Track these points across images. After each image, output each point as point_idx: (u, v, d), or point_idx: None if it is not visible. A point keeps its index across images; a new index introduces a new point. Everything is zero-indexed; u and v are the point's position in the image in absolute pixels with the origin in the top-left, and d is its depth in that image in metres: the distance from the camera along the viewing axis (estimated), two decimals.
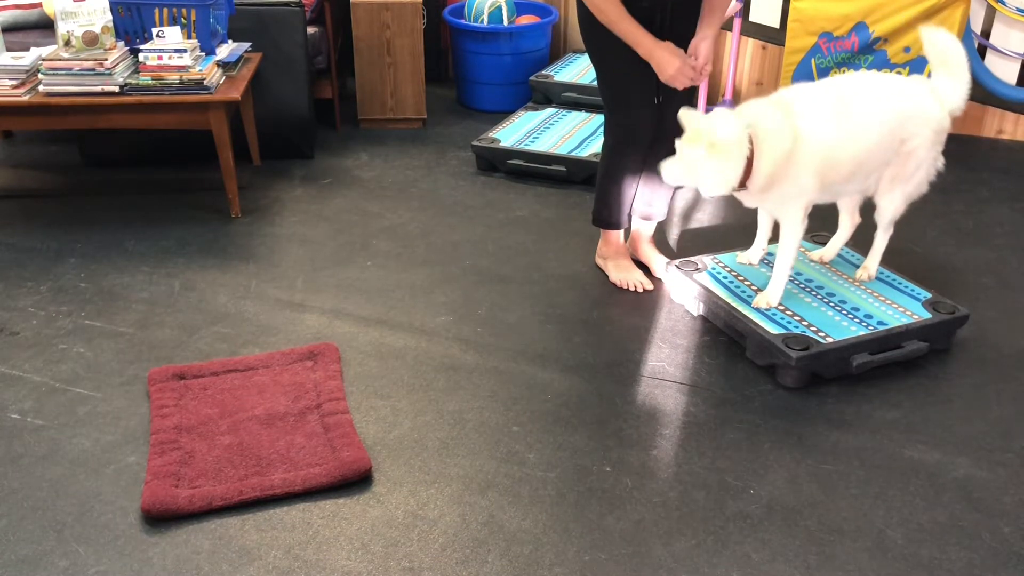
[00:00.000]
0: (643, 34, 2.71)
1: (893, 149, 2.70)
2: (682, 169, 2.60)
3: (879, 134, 2.63)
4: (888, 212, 2.86)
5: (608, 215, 3.09)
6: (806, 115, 2.57)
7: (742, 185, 2.59)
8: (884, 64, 4.14)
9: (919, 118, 2.68)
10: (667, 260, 3.12)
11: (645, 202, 3.12)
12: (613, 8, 2.69)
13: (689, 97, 2.94)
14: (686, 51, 2.79)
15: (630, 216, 3.13)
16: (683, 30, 2.79)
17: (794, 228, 2.71)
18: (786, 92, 2.65)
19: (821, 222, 3.48)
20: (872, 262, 2.97)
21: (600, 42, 2.82)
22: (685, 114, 2.57)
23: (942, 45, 2.72)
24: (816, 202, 2.73)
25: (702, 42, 2.76)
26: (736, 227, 3.53)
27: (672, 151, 3.06)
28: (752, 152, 2.53)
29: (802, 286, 2.90)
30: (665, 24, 2.77)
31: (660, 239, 3.41)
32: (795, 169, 2.57)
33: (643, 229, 3.22)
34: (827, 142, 2.58)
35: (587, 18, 2.80)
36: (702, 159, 2.52)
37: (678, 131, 2.95)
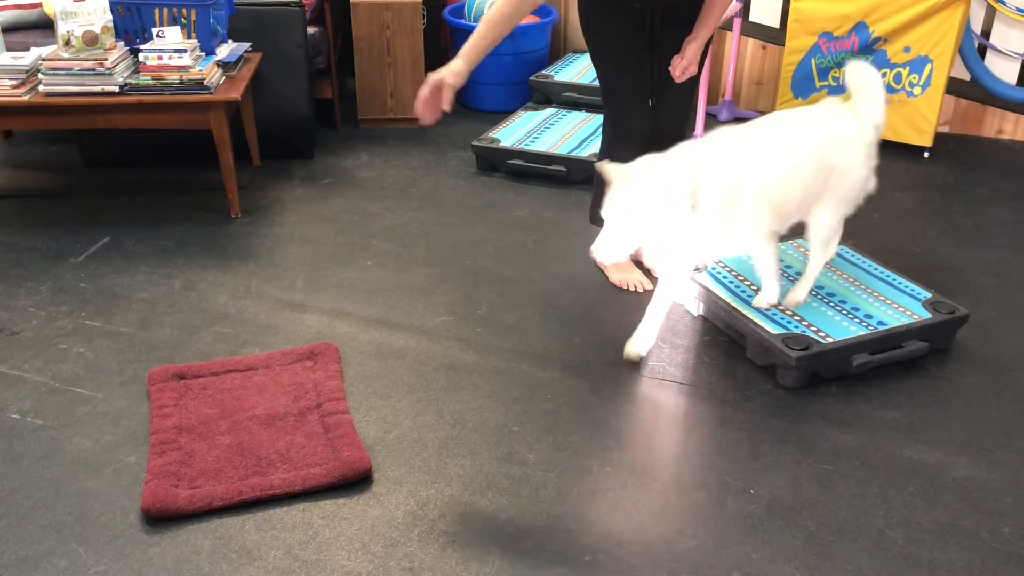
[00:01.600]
0: (467, 48, 2.48)
1: (825, 179, 2.62)
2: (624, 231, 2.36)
3: (812, 167, 2.56)
4: (822, 231, 2.74)
5: None
6: (747, 156, 2.49)
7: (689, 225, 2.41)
8: (884, 64, 4.14)
9: (846, 141, 2.62)
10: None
11: None
12: (496, 9, 2.52)
13: (686, 97, 2.94)
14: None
15: None
16: (677, 34, 2.78)
17: (763, 249, 2.66)
18: (721, 133, 2.56)
19: None
20: (804, 287, 2.81)
21: (594, 39, 2.83)
22: (604, 168, 2.36)
23: (863, 76, 2.69)
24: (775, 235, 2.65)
25: (691, 42, 2.75)
26: None
27: (665, 148, 3.04)
28: (695, 189, 2.37)
29: None
30: (656, 27, 2.76)
31: None
32: (743, 207, 2.48)
33: None
34: (770, 182, 2.49)
35: (585, 16, 2.81)
36: (644, 211, 2.33)
37: (674, 130, 2.95)
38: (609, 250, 2.37)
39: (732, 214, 2.47)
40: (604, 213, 2.35)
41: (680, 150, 2.47)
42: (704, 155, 2.46)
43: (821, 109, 2.69)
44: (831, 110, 2.68)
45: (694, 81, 2.89)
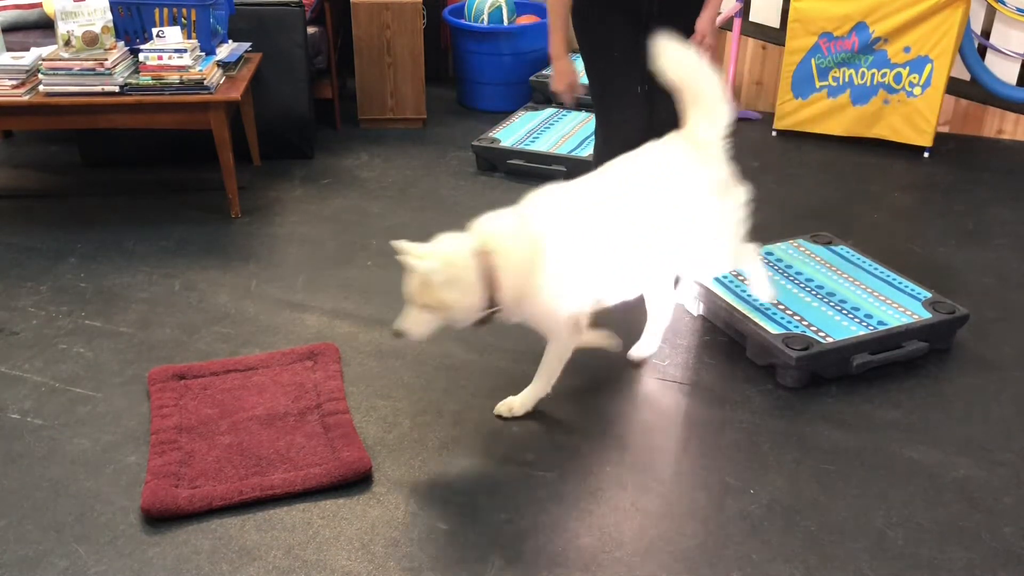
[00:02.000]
0: (558, 38, 2.81)
1: (672, 238, 2.40)
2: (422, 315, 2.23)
3: (648, 241, 2.37)
4: (723, 267, 2.61)
5: None
6: (554, 222, 2.30)
7: (492, 304, 2.26)
8: (884, 64, 4.13)
9: (688, 195, 2.39)
10: None
11: None
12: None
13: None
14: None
15: None
16: (674, 25, 2.77)
17: (560, 343, 2.43)
18: (536, 197, 2.37)
19: (821, 222, 3.48)
20: (760, 284, 2.65)
21: (589, 39, 2.84)
22: (401, 246, 2.22)
23: (686, 69, 2.41)
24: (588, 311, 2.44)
25: (701, 17, 2.74)
26: None
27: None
28: (492, 269, 2.21)
29: (802, 285, 2.90)
30: (652, 15, 2.75)
31: None
32: (544, 282, 2.27)
33: None
34: (578, 251, 2.29)
35: (580, 14, 2.82)
36: (431, 298, 2.20)
37: (671, 124, 2.95)
38: (414, 330, 2.24)
39: (537, 302, 2.29)
40: (404, 291, 2.22)
41: (485, 223, 2.30)
42: (509, 234, 2.26)
43: (656, 160, 2.42)
44: (666, 158, 2.41)
45: None
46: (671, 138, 2.48)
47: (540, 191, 2.38)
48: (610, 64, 2.80)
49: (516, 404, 2.49)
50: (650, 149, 2.46)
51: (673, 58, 2.41)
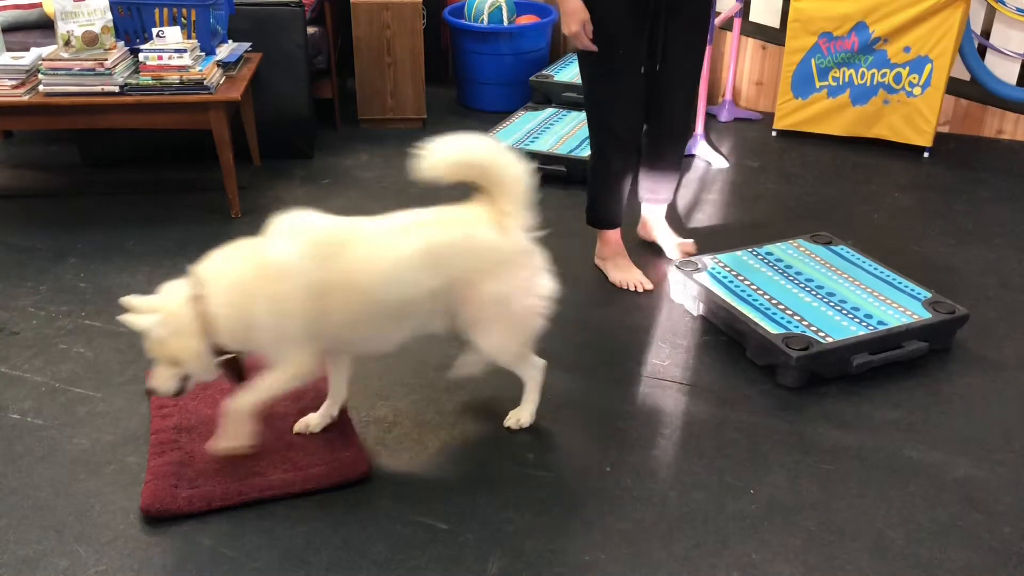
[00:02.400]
0: None
1: (434, 295, 2.17)
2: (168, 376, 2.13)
3: (395, 280, 2.12)
4: (500, 357, 2.33)
5: (602, 215, 3.09)
6: (284, 248, 2.12)
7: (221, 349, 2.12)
8: (884, 64, 4.14)
9: (460, 256, 2.17)
10: (679, 240, 3.14)
11: (649, 189, 3.14)
12: None
13: (689, 87, 2.95)
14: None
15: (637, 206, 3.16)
16: (684, 18, 2.78)
17: (283, 372, 2.18)
18: (286, 221, 2.18)
19: (821, 222, 3.48)
20: (525, 405, 2.44)
21: (595, 37, 2.83)
22: (129, 302, 2.10)
23: (478, 159, 2.25)
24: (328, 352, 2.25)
25: None
26: (736, 227, 3.53)
27: (670, 142, 3.03)
28: (205, 312, 2.08)
29: (802, 285, 2.90)
30: (660, 8, 2.75)
31: None
32: (263, 306, 2.09)
33: (652, 213, 3.24)
34: (313, 280, 2.08)
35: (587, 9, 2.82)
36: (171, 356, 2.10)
37: (679, 121, 2.95)
38: (160, 386, 2.14)
39: (256, 327, 2.10)
40: (146, 351, 2.11)
41: (201, 265, 2.16)
42: (219, 271, 2.15)
43: (439, 216, 2.24)
44: (453, 217, 2.24)
45: (698, 68, 2.91)
46: (473, 204, 2.26)
47: (294, 215, 2.19)
48: (615, 64, 2.79)
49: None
50: (445, 208, 2.24)
51: (463, 152, 2.23)
